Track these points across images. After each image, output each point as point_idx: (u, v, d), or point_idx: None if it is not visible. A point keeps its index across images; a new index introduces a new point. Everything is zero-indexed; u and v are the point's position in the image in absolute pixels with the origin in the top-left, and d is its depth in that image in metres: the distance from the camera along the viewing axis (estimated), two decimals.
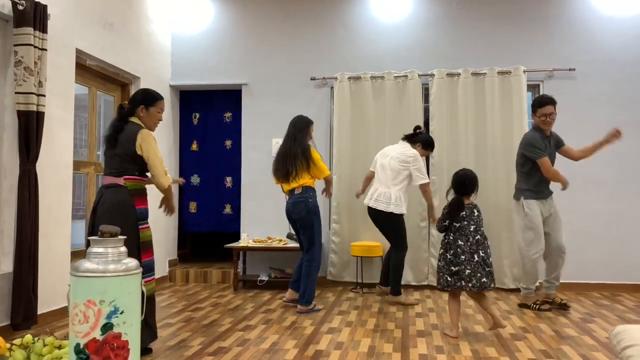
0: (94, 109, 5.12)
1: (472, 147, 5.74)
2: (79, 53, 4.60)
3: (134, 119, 3.30)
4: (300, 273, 4.72)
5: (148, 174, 3.32)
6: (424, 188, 4.88)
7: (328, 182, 4.80)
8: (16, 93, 3.74)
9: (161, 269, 6.08)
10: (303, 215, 4.57)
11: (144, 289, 1.33)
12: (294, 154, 4.58)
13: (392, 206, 4.79)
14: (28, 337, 1.18)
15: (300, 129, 4.71)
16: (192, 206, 6.73)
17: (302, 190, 4.58)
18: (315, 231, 4.60)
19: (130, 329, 1.08)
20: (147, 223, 3.26)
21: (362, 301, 5.05)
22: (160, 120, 3.40)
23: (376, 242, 5.68)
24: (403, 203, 4.85)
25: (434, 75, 5.88)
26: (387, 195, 4.82)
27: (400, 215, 4.86)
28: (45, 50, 3.90)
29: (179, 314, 4.49)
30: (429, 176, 5.87)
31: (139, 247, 3.16)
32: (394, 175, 4.85)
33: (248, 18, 6.29)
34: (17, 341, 1.16)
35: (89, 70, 4.93)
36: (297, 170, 4.56)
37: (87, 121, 5.08)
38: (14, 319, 3.70)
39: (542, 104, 4.67)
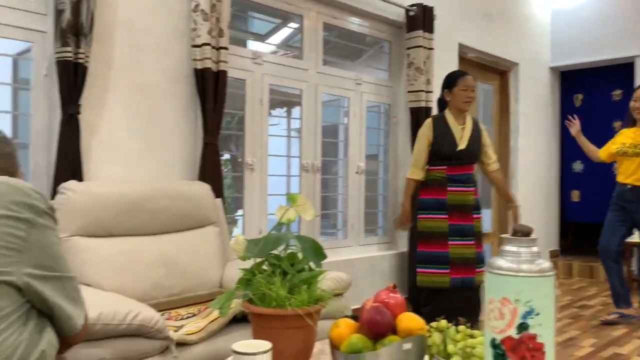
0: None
1: None
2: (461, 47, 4.81)
3: (447, 110, 3.38)
4: None
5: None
6: None
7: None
8: (408, 92, 4.16)
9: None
10: None
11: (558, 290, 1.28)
12: None
13: None
14: (443, 322, 1.28)
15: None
16: (575, 194, 6.27)
17: None
18: None
19: (545, 332, 1.04)
20: (429, 213, 3.26)
21: None
22: (470, 97, 3.30)
23: None
24: None
25: None
26: None
27: None
28: (432, 49, 4.21)
29: (565, 309, 4.25)
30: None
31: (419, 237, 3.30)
32: None
33: None
34: (434, 324, 1.28)
35: (469, 62, 5.11)
36: None
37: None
38: None
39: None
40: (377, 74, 4.41)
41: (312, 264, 1.42)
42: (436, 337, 1.26)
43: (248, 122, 3.35)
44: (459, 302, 3.19)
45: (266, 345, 1.24)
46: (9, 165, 1.20)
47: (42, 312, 1.06)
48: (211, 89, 2.88)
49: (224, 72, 2.93)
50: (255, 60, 3.37)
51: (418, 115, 4.11)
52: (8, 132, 3.42)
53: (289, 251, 1.43)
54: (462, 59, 4.94)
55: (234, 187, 4.36)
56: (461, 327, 1.27)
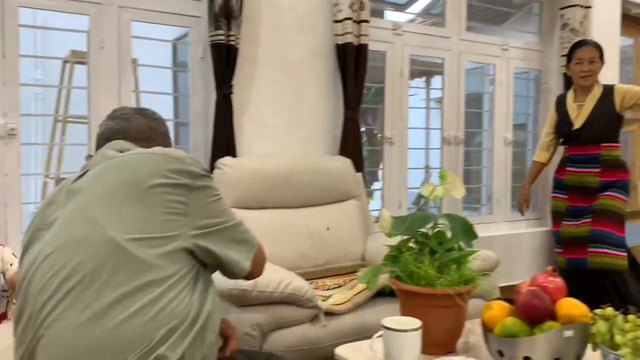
0: (639, 61, 4.73)
1: None
2: (625, 3, 4.30)
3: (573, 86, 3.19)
4: None
5: None
6: None
7: None
8: (562, 56, 3.83)
9: None
10: None
11: None
12: None
13: None
14: (609, 309, 1.17)
15: None
16: None
17: None
18: None
19: None
20: (554, 192, 3.13)
21: None
22: (584, 72, 2.98)
23: None
24: None
25: None
26: None
27: None
28: (590, 7, 3.81)
29: None
30: None
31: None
32: None
33: None
34: (599, 311, 1.18)
35: (634, 20, 4.56)
36: None
37: (633, 74, 4.74)
38: None
39: None
40: (525, 37, 4.11)
41: (461, 243, 1.39)
42: (601, 326, 1.16)
43: (388, 95, 3.32)
44: (594, 288, 2.92)
45: (416, 322, 1.24)
46: (164, 143, 1.30)
47: (207, 271, 1.13)
48: (352, 64, 2.89)
49: (365, 46, 2.92)
50: (395, 31, 3.32)
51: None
52: (170, 111, 3.76)
53: (437, 229, 1.40)
54: (626, 17, 4.41)
55: (369, 159, 4.38)
56: (630, 317, 1.16)
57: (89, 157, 1.23)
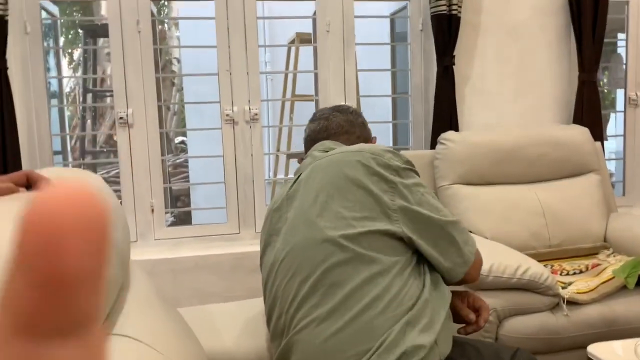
0: None
1: None
2: None
3: None
4: None
5: None
6: None
7: None
8: None
9: None
10: None
11: None
12: None
13: None
14: None
15: None
16: None
17: None
18: None
19: None
20: None
21: None
22: None
23: None
24: None
25: None
26: None
27: None
28: None
29: None
30: None
31: None
32: None
33: None
34: None
35: None
36: None
37: None
38: None
39: None
40: None
41: None
42: None
43: (631, 51, 2.89)
44: None
45: None
46: (363, 132, 1.35)
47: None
48: (589, 19, 2.58)
49: None
50: None
51: None
52: (388, 85, 3.81)
53: None
54: None
55: None
56: None
57: (301, 160, 1.33)
